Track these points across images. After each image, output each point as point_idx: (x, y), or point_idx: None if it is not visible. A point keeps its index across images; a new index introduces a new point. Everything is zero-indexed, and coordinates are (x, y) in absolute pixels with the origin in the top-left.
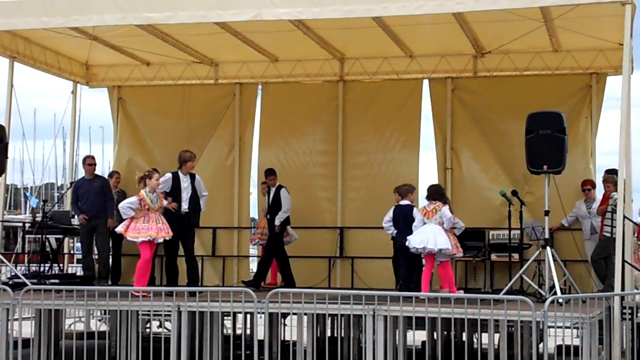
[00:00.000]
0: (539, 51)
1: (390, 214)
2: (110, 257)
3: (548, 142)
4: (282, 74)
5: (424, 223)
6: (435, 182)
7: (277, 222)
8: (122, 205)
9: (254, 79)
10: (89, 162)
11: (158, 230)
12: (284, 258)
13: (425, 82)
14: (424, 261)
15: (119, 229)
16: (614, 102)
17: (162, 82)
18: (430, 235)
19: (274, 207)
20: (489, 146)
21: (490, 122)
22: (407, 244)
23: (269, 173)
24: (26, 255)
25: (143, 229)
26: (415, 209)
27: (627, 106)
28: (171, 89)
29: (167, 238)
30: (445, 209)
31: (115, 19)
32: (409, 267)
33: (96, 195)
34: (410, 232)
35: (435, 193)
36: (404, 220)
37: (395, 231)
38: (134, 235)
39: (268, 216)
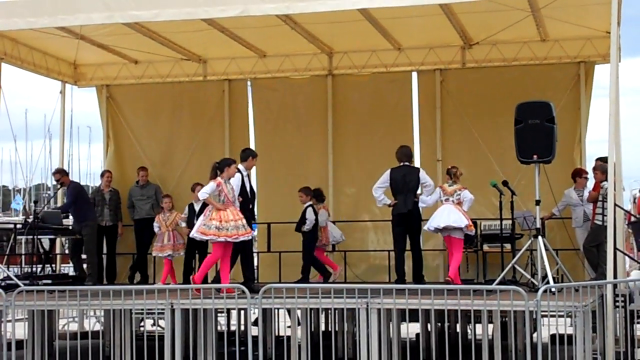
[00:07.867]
0: (526, 41)
1: None
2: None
3: (537, 131)
4: (270, 70)
5: None
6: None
7: None
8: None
9: (242, 74)
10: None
11: None
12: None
13: (414, 75)
14: None
15: None
16: (603, 90)
17: (150, 80)
18: None
19: None
20: (479, 137)
21: (480, 113)
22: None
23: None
24: (22, 257)
25: None
26: None
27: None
28: (160, 87)
29: None
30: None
31: (102, 18)
32: None
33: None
34: None
35: None
36: None
37: None
38: None
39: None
